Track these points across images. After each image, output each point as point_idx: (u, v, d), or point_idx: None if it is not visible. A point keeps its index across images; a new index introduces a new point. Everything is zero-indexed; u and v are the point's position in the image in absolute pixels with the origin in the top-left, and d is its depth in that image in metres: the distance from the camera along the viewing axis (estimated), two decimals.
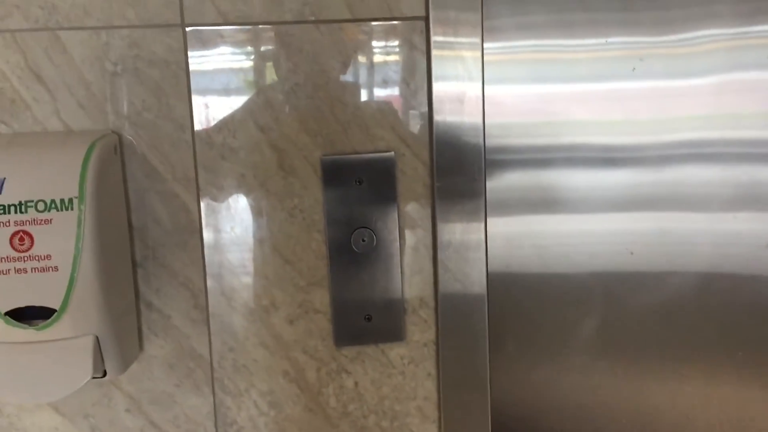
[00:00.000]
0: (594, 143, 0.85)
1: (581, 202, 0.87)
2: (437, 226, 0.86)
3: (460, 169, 0.85)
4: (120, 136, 0.82)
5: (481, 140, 0.84)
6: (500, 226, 0.87)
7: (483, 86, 0.84)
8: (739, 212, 0.89)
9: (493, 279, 0.88)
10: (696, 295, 0.91)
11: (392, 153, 0.86)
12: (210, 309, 0.86)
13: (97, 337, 0.74)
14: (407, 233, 0.87)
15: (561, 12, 0.83)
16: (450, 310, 0.88)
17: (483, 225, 0.86)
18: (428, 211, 0.87)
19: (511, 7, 0.84)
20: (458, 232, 0.86)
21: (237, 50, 0.82)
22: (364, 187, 0.86)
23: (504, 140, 0.85)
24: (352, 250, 0.86)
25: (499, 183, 0.86)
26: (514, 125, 0.85)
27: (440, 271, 0.87)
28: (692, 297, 0.91)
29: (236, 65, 0.82)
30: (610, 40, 0.84)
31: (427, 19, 0.83)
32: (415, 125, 0.86)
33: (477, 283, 0.87)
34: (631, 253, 0.89)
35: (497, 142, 0.85)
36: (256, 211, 0.85)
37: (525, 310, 0.91)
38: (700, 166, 0.87)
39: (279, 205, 0.85)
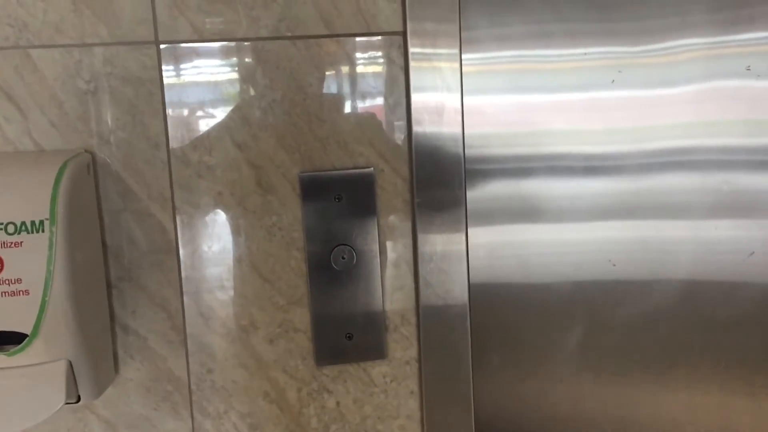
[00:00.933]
0: (574, 152, 0.85)
1: (562, 212, 0.87)
2: (418, 241, 0.86)
3: (440, 181, 0.85)
4: (93, 156, 0.80)
5: (461, 151, 0.84)
6: (482, 236, 0.87)
7: (462, 97, 0.84)
8: (720, 220, 0.89)
9: (475, 291, 0.87)
10: (678, 304, 0.90)
11: (371, 169, 0.85)
12: (187, 330, 0.84)
13: (70, 362, 0.72)
14: (388, 249, 0.86)
15: (539, 23, 0.83)
16: (432, 325, 0.87)
17: (464, 236, 0.86)
18: (408, 226, 0.86)
19: (489, 19, 0.84)
20: (439, 244, 0.86)
21: (212, 67, 0.81)
22: (344, 204, 0.85)
23: (484, 150, 0.85)
24: (332, 268, 0.85)
25: (480, 193, 0.86)
26: (494, 135, 0.85)
27: (421, 285, 0.86)
28: (675, 306, 0.90)
29: (212, 82, 0.81)
30: (588, 50, 0.84)
31: (404, 33, 0.83)
32: (394, 139, 0.85)
33: (459, 296, 0.86)
34: (613, 263, 0.89)
35: (478, 153, 0.85)
36: (234, 230, 0.83)
37: (508, 322, 0.90)
38: (680, 175, 0.87)
39: (257, 223, 0.84)
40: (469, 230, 0.85)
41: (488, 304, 0.89)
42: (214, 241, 0.83)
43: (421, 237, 0.85)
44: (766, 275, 0.91)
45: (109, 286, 0.82)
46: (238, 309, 0.85)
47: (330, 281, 0.85)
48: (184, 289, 0.83)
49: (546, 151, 0.85)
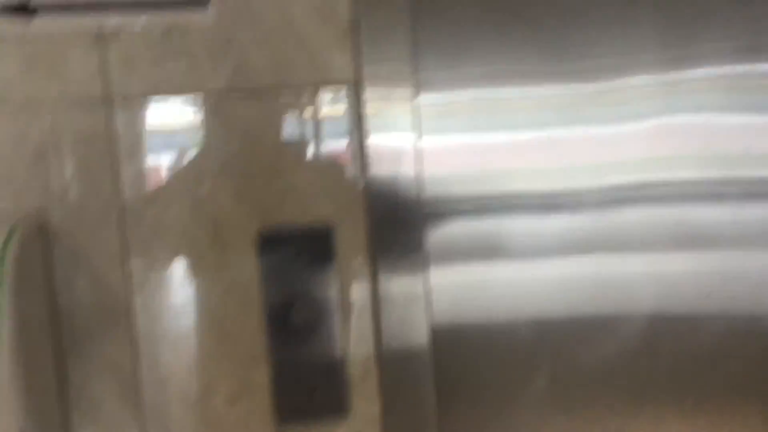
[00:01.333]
0: (532, 191, 0.86)
1: (523, 250, 0.86)
2: (377, 289, 0.84)
3: (397, 226, 0.84)
4: (45, 216, 0.78)
5: (418, 193, 0.84)
6: (444, 277, 0.86)
7: (418, 139, 0.83)
8: (680, 253, 0.89)
9: (437, 334, 0.86)
10: (642, 340, 0.90)
11: (329, 224, 0.83)
12: (144, 394, 0.81)
13: None
14: (348, 303, 0.85)
15: (494, 64, 0.84)
16: (394, 376, 0.85)
17: (423, 279, 0.85)
18: (367, 276, 0.85)
19: (445, 60, 0.84)
20: (398, 290, 0.84)
21: (167, 120, 0.80)
22: (303, 259, 0.83)
23: (443, 191, 0.85)
24: (291, 325, 0.83)
25: (440, 234, 0.85)
26: (452, 176, 0.85)
27: (383, 336, 0.84)
28: (638, 342, 0.90)
29: (167, 136, 0.80)
30: (543, 90, 0.85)
31: (357, 82, 0.82)
32: (352, 189, 0.84)
33: (420, 340, 0.85)
34: (575, 300, 0.88)
35: (436, 193, 0.84)
36: (191, 289, 0.81)
37: (472, 365, 0.89)
38: (638, 210, 0.87)
39: (214, 281, 0.82)
40: (431, 271, 0.85)
41: (452, 346, 0.87)
42: (170, 302, 0.81)
43: (381, 290, 0.84)
44: (727, 308, 0.91)
45: (62, 350, 0.79)
46: (196, 370, 0.82)
47: (290, 338, 0.83)
48: (140, 353, 0.81)
49: (504, 189, 0.85)
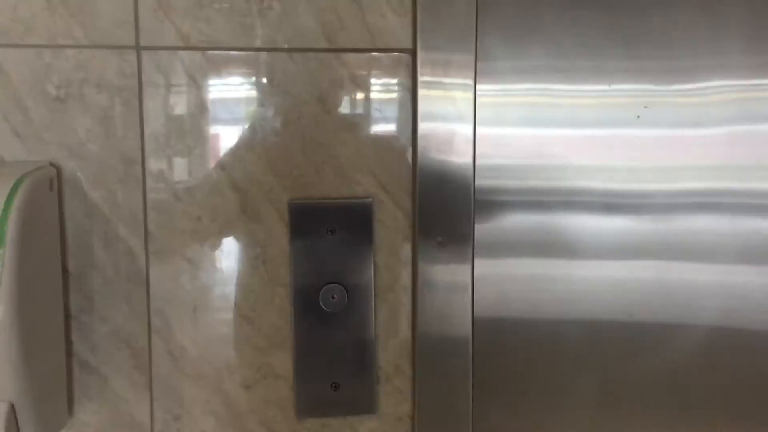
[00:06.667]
0: (594, 188, 0.82)
1: (578, 248, 0.82)
2: (418, 284, 0.77)
3: (446, 217, 0.78)
4: (59, 170, 0.71)
5: (471, 183, 0.78)
6: (492, 268, 0.81)
7: (474, 128, 0.78)
8: (749, 265, 0.85)
9: (480, 328, 0.80)
10: (701, 353, 0.85)
11: (370, 199, 0.76)
12: (153, 370, 0.75)
13: (12, 405, 0.63)
14: (384, 290, 0.77)
15: (563, 58, 0.80)
16: (430, 370, 0.78)
17: (470, 279, 0.79)
18: (408, 266, 0.78)
19: (510, 51, 0.78)
20: (441, 285, 0.77)
21: (197, 78, 0.73)
22: (337, 238, 0.76)
23: (497, 182, 0.80)
24: (320, 309, 0.76)
25: (490, 225, 0.80)
26: (508, 167, 0.80)
27: (419, 333, 0.77)
28: (697, 355, 0.85)
29: (196, 95, 0.73)
30: (613, 86, 0.81)
31: (414, 52, 0.75)
32: (397, 169, 0.76)
33: (461, 332, 0.79)
34: (632, 305, 0.84)
35: (489, 184, 0.80)
36: (213, 261, 0.75)
37: (514, 364, 0.83)
38: (707, 217, 0.84)
39: (239, 254, 0.75)
40: (477, 262, 0.79)
41: (494, 342, 0.81)
42: (189, 272, 0.74)
43: (421, 283, 0.77)
44: None
45: (68, 317, 0.73)
46: (212, 349, 0.75)
47: (317, 323, 0.76)
48: (152, 325, 0.74)
49: (563, 185, 0.81)
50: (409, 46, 0.75)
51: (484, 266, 0.80)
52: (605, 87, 0.80)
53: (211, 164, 0.74)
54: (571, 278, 0.82)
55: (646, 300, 0.84)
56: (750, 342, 0.86)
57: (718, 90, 0.82)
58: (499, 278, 0.81)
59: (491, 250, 0.80)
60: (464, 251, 0.78)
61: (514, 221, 0.81)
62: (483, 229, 0.80)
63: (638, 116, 0.81)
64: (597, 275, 0.83)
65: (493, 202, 0.80)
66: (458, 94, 0.77)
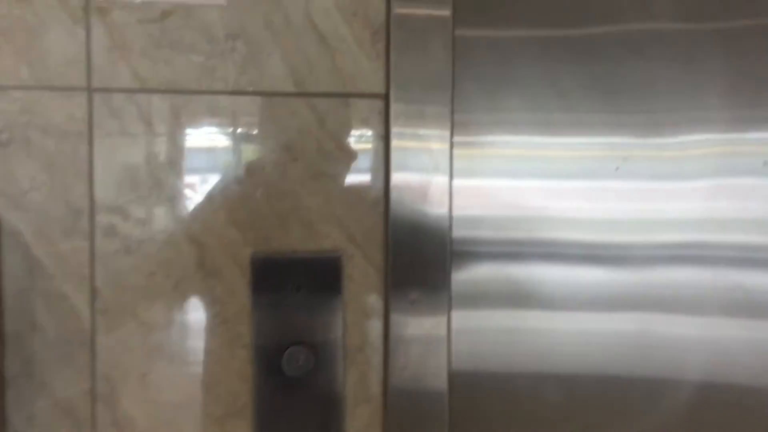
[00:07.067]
0: (573, 240, 0.81)
1: (558, 300, 0.81)
2: (390, 344, 0.71)
3: (420, 270, 0.74)
4: None
5: (447, 234, 0.75)
6: (468, 321, 0.78)
7: (451, 179, 0.75)
8: (734, 319, 0.84)
9: (456, 382, 0.76)
10: (687, 409, 0.83)
11: (339, 253, 0.71)
12: None
13: None
14: (353, 351, 0.72)
15: (542, 110, 0.79)
16: (405, 426, 0.74)
17: (446, 333, 0.75)
18: (380, 325, 0.72)
19: (488, 102, 0.77)
20: (416, 347, 0.74)
21: (154, 123, 0.68)
22: (303, 294, 0.70)
23: (474, 233, 0.78)
24: (283, 373, 0.70)
25: (468, 276, 0.78)
26: (486, 218, 0.79)
27: (391, 397, 0.71)
28: (682, 411, 0.83)
29: (151, 141, 0.68)
30: (593, 140, 0.80)
31: (387, 98, 0.71)
32: (369, 221, 0.72)
33: (437, 388, 0.75)
34: (613, 357, 0.82)
35: (466, 234, 0.78)
36: (166, 320, 0.68)
37: (491, 420, 0.80)
38: (688, 269, 0.83)
39: (195, 313, 0.69)
40: (453, 315, 0.77)
41: (471, 396, 0.79)
42: (140, 332, 0.68)
43: (394, 336, 0.72)
44: None
45: (2, 382, 0.66)
46: (163, 419, 0.69)
47: (280, 388, 0.70)
48: (97, 392, 0.67)
49: (542, 236, 0.80)
50: (382, 91, 0.71)
51: (461, 319, 0.77)
52: (584, 140, 0.80)
53: (167, 215, 0.68)
54: (550, 331, 0.80)
55: (627, 354, 0.82)
56: (737, 399, 0.84)
57: (698, 144, 0.81)
58: (477, 331, 0.78)
59: (468, 302, 0.78)
60: (440, 304, 0.75)
61: (492, 272, 0.79)
62: (460, 280, 0.77)
63: (617, 168, 0.80)
64: (577, 328, 0.81)
65: (470, 253, 0.78)
66: (434, 145, 0.74)
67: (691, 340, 0.83)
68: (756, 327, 0.83)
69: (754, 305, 0.83)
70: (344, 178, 0.71)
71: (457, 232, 0.77)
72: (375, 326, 0.73)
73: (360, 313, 0.72)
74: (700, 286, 0.82)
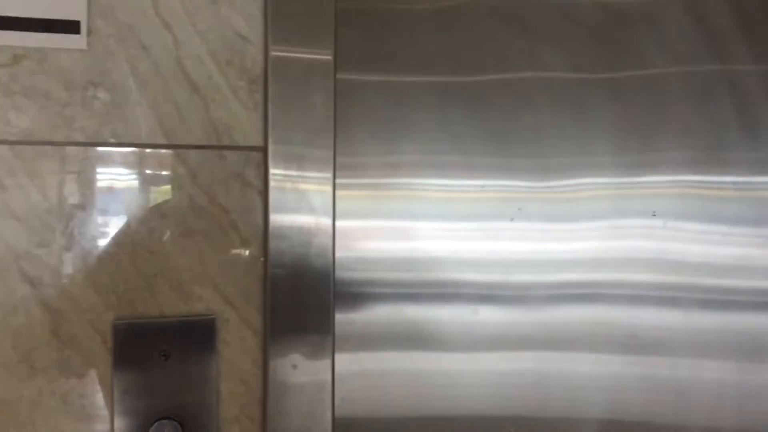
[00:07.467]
0: (468, 280, 0.80)
1: (452, 341, 0.79)
2: (269, 416, 0.66)
3: (304, 310, 0.70)
4: None
5: (330, 277, 0.71)
6: (356, 365, 0.75)
7: (333, 220, 0.72)
8: (630, 356, 0.85)
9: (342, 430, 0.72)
10: None
11: (213, 316, 0.66)
12: None
13: None
14: (229, 424, 0.66)
15: (434, 153, 0.78)
16: None
17: (330, 382, 0.71)
18: (258, 393, 0.67)
19: (377, 146, 0.75)
20: (296, 410, 0.68)
21: (2, 176, 0.61)
22: (172, 363, 0.64)
23: (363, 274, 0.76)
24: None
25: (354, 320, 0.75)
26: (375, 259, 0.77)
27: None
28: None
29: (0, 195, 0.61)
30: (486, 182, 0.80)
31: (265, 150, 0.67)
32: (245, 280, 0.67)
33: None
34: (511, 398, 0.81)
35: (353, 276, 0.75)
36: (12, 399, 0.61)
37: None
38: (584, 308, 0.83)
39: (48, 388, 0.62)
40: (340, 359, 0.73)
41: None
42: None
43: (273, 409, 0.66)
44: (680, 417, 0.86)
45: None
46: None
47: None
48: None
49: (436, 277, 0.79)
50: (260, 143, 0.67)
51: (348, 363, 0.74)
52: (478, 182, 0.79)
53: (16, 279, 0.61)
54: (447, 372, 0.79)
55: (527, 393, 0.81)
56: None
57: (589, 187, 0.82)
58: (366, 374, 0.75)
59: (357, 344, 0.75)
60: (323, 349, 0.70)
61: (384, 314, 0.77)
62: (346, 323, 0.74)
63: (512, 218, 0.79)
64: (474, 369, 0.80)
65: (359, 295, 0.75)
66: (315, 187, 0.70)
67: (589, 377, 0.83)
68: (648, 363, 0.85)
69: (646, 342, 0.84)
70: (218, 235, 0.66)
71: (344, 274, 0.74)
72: (252, 394, 0.67)
73: (236, 381, 0.67)
74: (595, 324, 0.83)
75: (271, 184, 0.68)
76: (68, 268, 0.62)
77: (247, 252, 0.67)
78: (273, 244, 0.67)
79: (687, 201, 0.86)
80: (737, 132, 0.87)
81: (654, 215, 0.85)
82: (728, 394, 0.88)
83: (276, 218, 0.68)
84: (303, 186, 0.69)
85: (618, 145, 0.84)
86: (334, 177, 0.71)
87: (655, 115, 0.85)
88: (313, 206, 0.70)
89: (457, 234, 0.79)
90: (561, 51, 0.82)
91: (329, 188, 0.71)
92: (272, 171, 0.68)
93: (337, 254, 0.73)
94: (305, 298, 0.70)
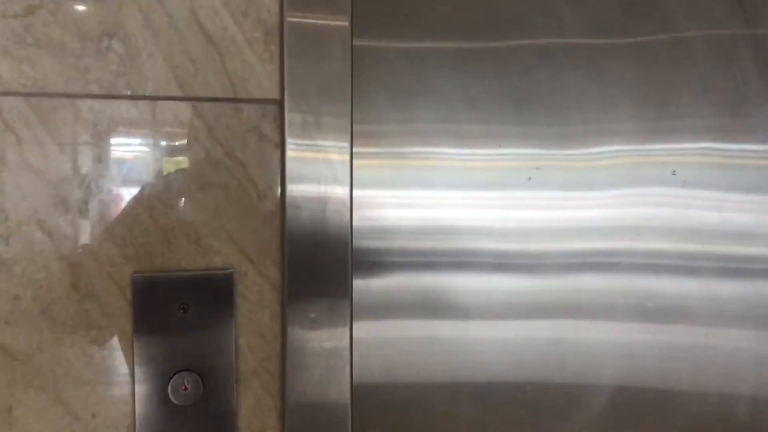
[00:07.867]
0: (486, 249, 0.80)
1: (469, 309, 0.79)
2: (288, 367, 0.66)
3: (320, 285, 0.70)
4: None
5: (348, 246, 0.71)
6: (376, 332, 0.75)
7: (351, 189, 0.71)
8: (648, 324, 0.85)
9: (361, 395, 0.73)
10: (603, 414, 0.84)
11: (230, 270, 0.66)
12: None
13: None
14: (247, 377, 0.67)
15: (453, 122, 0.77)
16: None
17: (349, 347, 0.71)
18: (276, 347, 0.67)
19: (395, 112, 0.74)
20: (315, 370, 0.68)
21: (18, 129, 0.61)
22: (191, 316, 0.65)
23: (381, 243, 0.76)
24: (169, 402, 0.64)
25: (374, 287, 0.75)
26: (393, 228, 0.76)
27: (289, 423, 0.67)
28: (598, 416, 0.84)
29: (15, 149, 0.61)
30: (504, 150, 0.79)
31: (281, 103, 0.66)
32: (263, 235, 0.67)
33: (340, 401, 0.71)
34: (529, 365, 0.81)
35: (371, 245, 0.75)
36: (34, 349, 0.61)
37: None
38: (601, 276, 0.83)
39: (68, 339, 0.62)
40: (357, 327, 0.73)
41: (378, 410, 0.76)
42: (3, 365, 0.61)
43: (292, 360, 0.67)
44: (696, 385, 0.86)
45: None
46: None
47: (166, 420, 0.64)
48: None
49: (453, 246, 0.79)
50: (277, 96, 0.66)
51: (367, 330, 0.74)
52: (496, 150, 0.78)
53: (35, 232, 0.61)
54: (464, 340, 0.79)
55: (542, 361, 0.81)
56: (651, 401, 0.85)
57: (608, 154, 0.82)
58: (385, 342, 0.75)
59: (375, 312, 0.75)
60: (341, 316, 0.70)
61: (401, 282, 0.76)
62: (365, 291, 0.74)
63: (530, 178, 0.79)
64: (491, 336, 0.79)
65: (377, 263, 0.75)
66: (333, 156, 0.70)
67: (604, 345, 0.83)
68: (665, 331, 0.85)
69: (663, 310, 0.84)
70: (235, 189, 0.66)
71: (362, 243, 0.73)
72: (272, 349, 0.68)
73: (254, 335, 0.67)
74: (612, 292, 0.83)
75: (288, 139, 0.67)
76: (86, 221, 0.62)
77: (264, 206, 0.67)
78: (290, 198, 0.67)
79: (706, 168, 0.85)
80: (760, 99, 0.86)
81: (674, 174, 0.84)
82: (745, 362, 0.88)
83: (293, 169, 0.67)
84: (320, 139, 0.69)
85: (638, 112, 0.83)
86: (352, 145, 0.70)
87: (677, 81, 0.84)
88: (331, 170, 0.69)
89: (475, 202, 0.79)
90: (583, 14, 0.80)
91: (346, 156, 0.70)
92: (289, 125, 0.67)
93: (355, 223, 0.73)
94: (323, 250, 0.70)
